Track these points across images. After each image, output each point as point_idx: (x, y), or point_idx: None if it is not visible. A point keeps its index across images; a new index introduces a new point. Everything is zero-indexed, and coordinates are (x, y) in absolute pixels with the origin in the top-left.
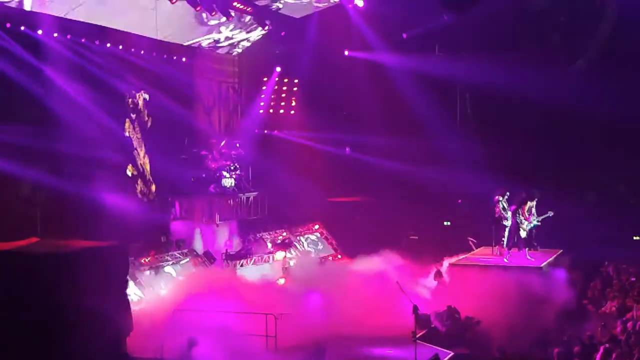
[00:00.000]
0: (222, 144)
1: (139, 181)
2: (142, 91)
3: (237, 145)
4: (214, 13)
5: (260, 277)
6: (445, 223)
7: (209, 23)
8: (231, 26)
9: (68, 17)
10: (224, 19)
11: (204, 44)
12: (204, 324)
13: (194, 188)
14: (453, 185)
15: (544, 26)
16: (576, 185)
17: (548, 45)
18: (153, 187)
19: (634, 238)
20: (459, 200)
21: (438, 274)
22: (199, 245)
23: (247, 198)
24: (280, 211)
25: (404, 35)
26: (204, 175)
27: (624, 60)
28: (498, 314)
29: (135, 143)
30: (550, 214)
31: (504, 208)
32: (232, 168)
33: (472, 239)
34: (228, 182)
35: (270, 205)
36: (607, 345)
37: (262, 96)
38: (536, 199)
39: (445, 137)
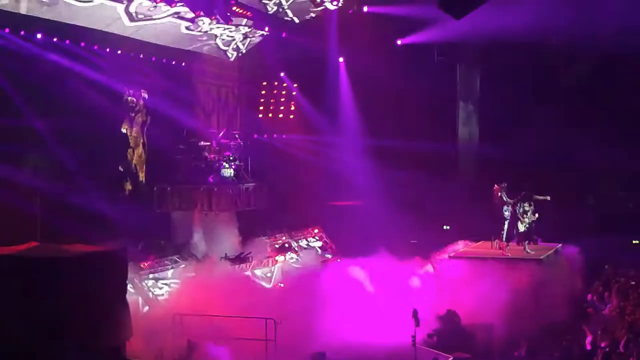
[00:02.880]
0: (221, 134)
1: (129, 180)
2: (141, 90)
3: (236, 135)
4: (213, 18)
5: (260, 281)
6: (444, 227)
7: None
8: (228, 29)
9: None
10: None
11: (203, 48)
12: (204, 328)
13: (192, 179)
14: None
15: None
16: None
17: None
18: (142, 174)
19: (634, 242)
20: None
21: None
22: (198, 249)
23: (247, 189)
24: (278, 212)
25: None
26: (203, 166)
27: None
28: (497, 308)
29: (131, 141)
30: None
31: (503, 198)
32: (231, 158)
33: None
34: (227, 172)
35: (270, 197)
36: (606, 349)
37: (262, 100)
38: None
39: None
